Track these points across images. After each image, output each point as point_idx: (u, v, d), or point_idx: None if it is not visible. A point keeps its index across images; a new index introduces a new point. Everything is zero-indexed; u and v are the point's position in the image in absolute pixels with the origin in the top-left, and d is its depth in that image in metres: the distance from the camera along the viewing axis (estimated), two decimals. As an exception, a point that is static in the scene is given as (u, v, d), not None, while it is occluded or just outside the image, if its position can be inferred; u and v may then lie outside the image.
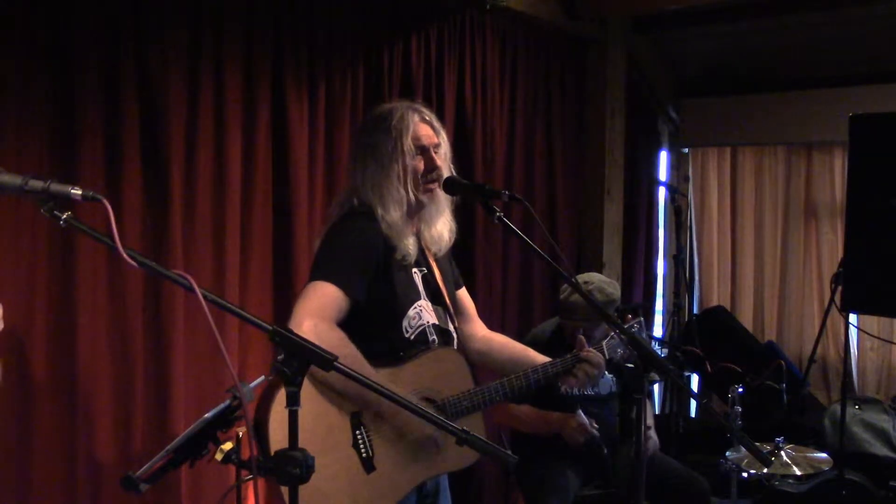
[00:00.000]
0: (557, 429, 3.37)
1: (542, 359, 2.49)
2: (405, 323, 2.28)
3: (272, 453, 1.80)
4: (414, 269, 2.34)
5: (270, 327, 1.62)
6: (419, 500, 2.32)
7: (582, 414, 3.33)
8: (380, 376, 2.11)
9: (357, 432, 2.16)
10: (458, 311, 2.49)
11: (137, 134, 2.82)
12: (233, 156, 3.09)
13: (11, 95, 2.55)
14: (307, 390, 2.08)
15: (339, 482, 2.12)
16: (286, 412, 1.62)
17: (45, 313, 2.65)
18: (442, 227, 2.40)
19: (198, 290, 1.53)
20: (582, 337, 2.49)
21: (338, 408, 2.15)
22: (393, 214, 2.26)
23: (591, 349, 2.45)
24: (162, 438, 2.79)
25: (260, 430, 2.06)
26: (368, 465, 2.16)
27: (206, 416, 1.96)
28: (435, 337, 2.35)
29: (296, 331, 2.02)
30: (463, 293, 2.59)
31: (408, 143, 2.28)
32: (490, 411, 3.39)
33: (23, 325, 2.60)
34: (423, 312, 2.33)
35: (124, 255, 1.52)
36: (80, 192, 1.51)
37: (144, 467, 1.85)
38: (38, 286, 2.63)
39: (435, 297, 2.38)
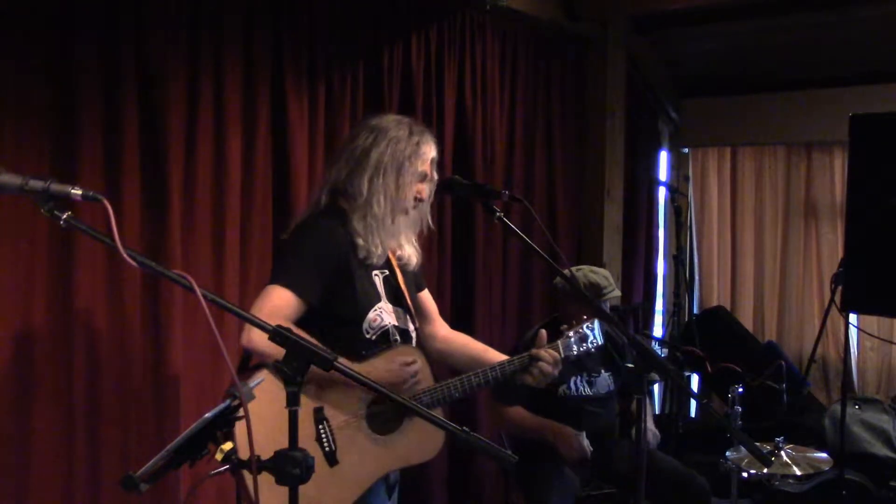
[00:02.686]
0: (549, 434, 3.33)
1: (501, 358, 2.55)
2: (365, 325, 2.34)
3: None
4: (375, 271, 2.41)
5: (270, 327, 1.62)
6: (387, 488, 2.40)
7: (585, 438, 3.30)
8: None
9: (320, 427, 2.19)
10: (419, 313, 2.57)
11: (137, 134, 2.82)
12: (233, 156, 3.09)
13: (11, 95, 2.54)
14: (271, 387, 2.09)
15: None
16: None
17: (45, 313, 2.64)
18: (411, 251, 2.49)
19: (198, 289, 1.53)
20: (543, 332, 2.53)
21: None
22: (376, 219, 2.33)
23: (546, 348, 2.49)
24: (162, 438, 2.79)
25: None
26: (332, 458, 2.19)
27: (206, 416, 1.95)
28: (397, 337, 2.41)
29: (247, 333, 2.13)
30: (425, 295, 2.67)
31: (417, 168, 2.37)
32: (486, 416, 3.39)
33: (22, 325, 2.59)
34: (384, 314, 2.39)
35: (124, 255, 1.52)
36: (80, 191, 1.52)
37: (144, 467, 1.85)
38: (38, 286, 2.63)
39: (395, 299, 2.45)
